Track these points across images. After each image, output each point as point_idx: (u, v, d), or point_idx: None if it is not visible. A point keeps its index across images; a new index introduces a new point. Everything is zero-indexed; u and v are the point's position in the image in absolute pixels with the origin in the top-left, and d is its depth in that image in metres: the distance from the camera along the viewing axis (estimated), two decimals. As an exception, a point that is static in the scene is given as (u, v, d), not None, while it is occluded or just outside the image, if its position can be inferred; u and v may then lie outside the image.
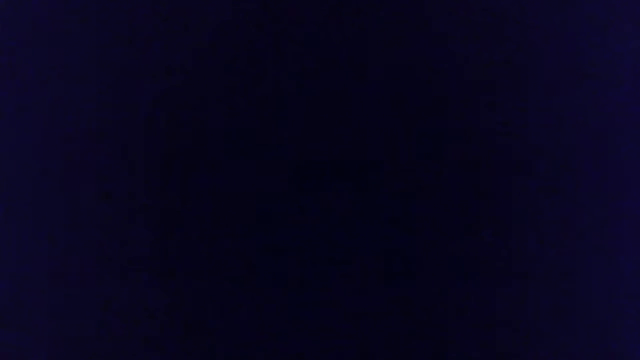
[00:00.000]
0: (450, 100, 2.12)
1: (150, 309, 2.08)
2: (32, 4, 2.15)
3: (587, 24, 2.16)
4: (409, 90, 2.12)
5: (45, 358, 2.09)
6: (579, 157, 2.14)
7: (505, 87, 2.13)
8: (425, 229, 2.10)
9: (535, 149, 2.13)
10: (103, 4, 2.13)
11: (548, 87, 2.15)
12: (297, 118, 2.11)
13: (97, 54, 2.13)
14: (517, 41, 2.14)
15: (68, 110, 2.12)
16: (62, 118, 2.12)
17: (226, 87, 2.11)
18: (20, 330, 2.10)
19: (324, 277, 2.09)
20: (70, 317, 2.09)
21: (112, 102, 2.12)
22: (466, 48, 2.13)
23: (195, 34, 2.12)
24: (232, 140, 2.10)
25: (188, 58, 2.12)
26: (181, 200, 2.10)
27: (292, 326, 2.08)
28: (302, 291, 2.08)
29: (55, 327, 2.10)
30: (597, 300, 2.13)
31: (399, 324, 2.09)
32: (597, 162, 2.15)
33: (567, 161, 2.14)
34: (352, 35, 2.12)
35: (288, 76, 2.11)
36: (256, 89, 2.11)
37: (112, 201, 2.10)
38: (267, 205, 2.09)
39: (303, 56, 2.11)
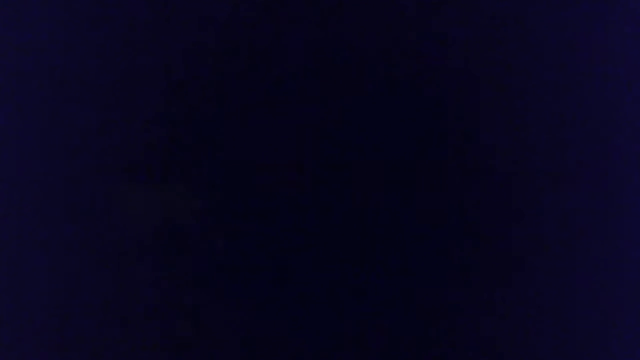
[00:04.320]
0: (450, 100, 2.12)
1: (150, 309, 2.09)
2: (32, 3, 2.15)
3: (587, 24, 2.16)
4: (409, 90, 2.12)
5: (45, 358, 2.10)
6: (579, 157, 2.15)
7: (505, 87, 2.13)
8: (424, 228, 2.10)
9: (535, 148, 2.13)
10: (103, 4, 2.13)
11: (548, 87, 2.15)
12: (296, 117, 2.11)
13: (97, 54, 2.13)
14: (517, 41, 2.14)
15: (68, 110, 2.13)
16: (62, 118, 2.12)
17: (226, 87, 2.11)
18: (20, 330, 2.10)
19: (323, 277, 2.09)
20: (70, 316, 2.10)
21: (112, 102, 2.12)
22: (466, 48, 2.13)
23: (195, 33, 2.12)
24: (232, 140, 2.11)
25: (188, 58, 2.12)
26: (181, 199, 2.10)
27: (292, 326, 2.08)
28: (302, 291, 2.09)
29: (56, 327, 2.10)
30: (597, 300, 2.13)
31: (399, 324, 2.09)
32: (597, 161, 2.15)
33: (567, 161, 2.14)
34: (353, 35, 2.12)
35: (288, 76, 2.11)
36: (256, 89, 2.11)
37: (112, 201, 2.10)
38: (267, 204, 2.10)
39: (303, 55, 2.11)
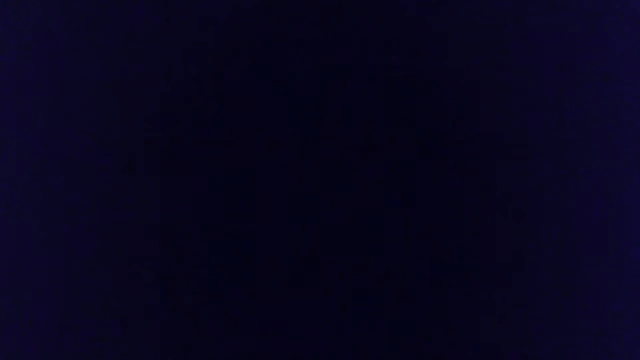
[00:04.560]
0: (450, 100, 2.12)
1: (151, 309, 2.09)
2: (32, 3, 2.15)
3: (587, 23, 2.16)
4: (409, 89, 2.12)
5: (45, 358, 2.10)
6: (579, 157, 2.15)
7: (505, 86, 2.13)
8: (424, 228, 2.10)
9: (535, 148, 2.13)
10: (103, 4, 2.14)
11: (548, 86, 2.15)
12: (296, 118, 2.11)
13: (96, 54, 2.13)
14: (517, 41, 2.14)
15: (68, 110, 2.13)
16: (63, 118, 2.12)
17: (226, 88, 2.11)
18: (21, 330, 2.10)
19: (324, 277, 2.09)
20: (70, 317, 2.10)
21: (113, 102, 2.12)
22: (466, 48, 2.13)
23: (195, 33, 2.12)
24: (233, 140, 2.11)
25: (188, 58, 2.12)
26: (181, 200, 2.10)
27: (292, 327, 2.08)
28: (302, 291, 2.09)
29: (56, 326, 2.10)
30: (598, 300, 2.13)
31: (399, 324, 2.09)
32: (596, 162, 2.15)
33: (566, 161, 2.14)
34: (353, 35, 2.12)
35: (288, 76, 2.11)
36: (256, 89, 2.11)
37: (112, 201, 2.10)
38: (267, 204, 2.10)
39: (303, 56, 2.11)
